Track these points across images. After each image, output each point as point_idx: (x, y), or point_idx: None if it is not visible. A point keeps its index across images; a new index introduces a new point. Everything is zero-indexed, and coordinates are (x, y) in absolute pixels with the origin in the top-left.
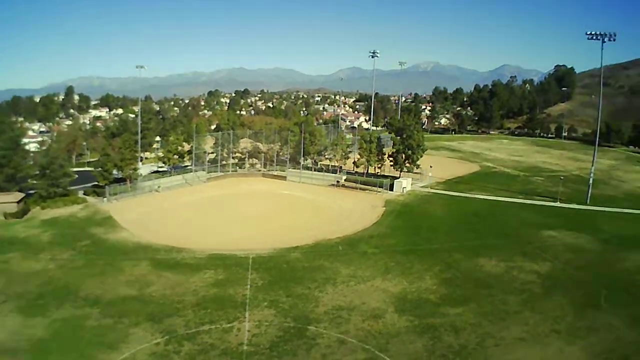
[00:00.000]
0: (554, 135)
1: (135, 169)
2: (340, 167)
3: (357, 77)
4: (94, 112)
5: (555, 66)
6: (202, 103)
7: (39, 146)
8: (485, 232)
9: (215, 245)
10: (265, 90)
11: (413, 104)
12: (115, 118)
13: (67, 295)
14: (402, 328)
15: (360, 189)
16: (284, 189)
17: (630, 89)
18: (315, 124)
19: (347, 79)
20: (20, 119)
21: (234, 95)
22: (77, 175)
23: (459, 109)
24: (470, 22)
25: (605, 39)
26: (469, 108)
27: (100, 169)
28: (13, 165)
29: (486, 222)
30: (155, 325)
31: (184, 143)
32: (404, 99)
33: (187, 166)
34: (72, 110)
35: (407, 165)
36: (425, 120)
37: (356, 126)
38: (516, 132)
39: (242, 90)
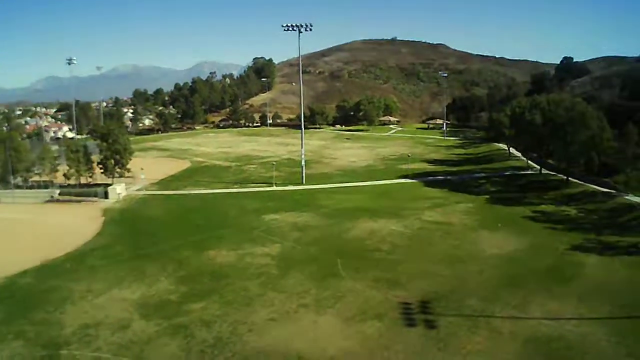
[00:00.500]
0: (259, 124)
1: None
2: (52, 181)
3: (56, 86)
4: None
5: (254, 58)
6: None
7: None
8: (208, 226)
9: None
10: None
11: (115, 108)
12: None
13: None
14: (153, 333)
15: (76, 201)
16: None
17: (331, 74)
18: (20, 138)
19: (46, 89)
20: None
21: None
22: None
23: (161, 108)
24: (167, 21)
25: (302, 30)
26: (171, 107)
27: None
28: None
29: (207, 215)
30: None
31: None
32: (105, 104)
33: None
34: None
35: (118, 170)
36: (129, 123)
37: (61, 136)
38: (221, 125)
39: None
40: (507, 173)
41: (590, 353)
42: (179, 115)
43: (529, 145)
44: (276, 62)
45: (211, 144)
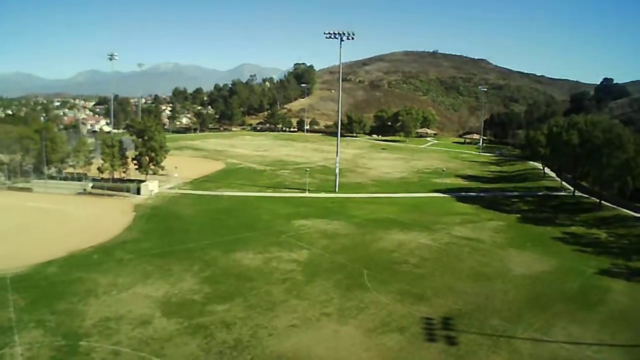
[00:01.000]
0: (296, 129)
1: None
2: (85, 173)
3: (97, 80)
4: None
5: (295, 64)
6: None
7: None
8: (238, 227)
9: None
10: (5, 97)
11: (153, 105)
12: None
13: None
14: (174, 331)
15: (108, 195)
16: (29, 202)
17: (371, 83)
18: (56, 129)
19: (87, 82)
20: None
21: None
22: None
23: (199, 108)
24: (211, 22)
25: (344, 38)
26: (209, 107)
27: None
28: None
29: (237, 217)
30: None
31: None
32: (144, 100)
33: None
34: None
35: (152, 167)
36: (166, 120)
37: (98, 130)
38: (258, 128)
39: None
40: (540, 193)
41: None
42: (217, 116)
43: (564, 165)
44: (317, 69)
45: (247, 146)
